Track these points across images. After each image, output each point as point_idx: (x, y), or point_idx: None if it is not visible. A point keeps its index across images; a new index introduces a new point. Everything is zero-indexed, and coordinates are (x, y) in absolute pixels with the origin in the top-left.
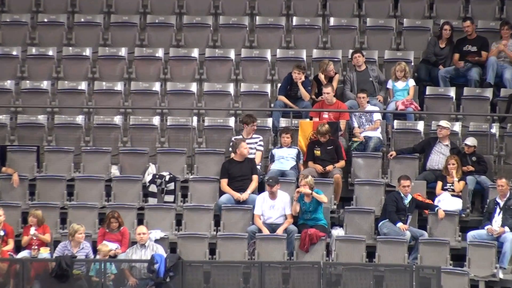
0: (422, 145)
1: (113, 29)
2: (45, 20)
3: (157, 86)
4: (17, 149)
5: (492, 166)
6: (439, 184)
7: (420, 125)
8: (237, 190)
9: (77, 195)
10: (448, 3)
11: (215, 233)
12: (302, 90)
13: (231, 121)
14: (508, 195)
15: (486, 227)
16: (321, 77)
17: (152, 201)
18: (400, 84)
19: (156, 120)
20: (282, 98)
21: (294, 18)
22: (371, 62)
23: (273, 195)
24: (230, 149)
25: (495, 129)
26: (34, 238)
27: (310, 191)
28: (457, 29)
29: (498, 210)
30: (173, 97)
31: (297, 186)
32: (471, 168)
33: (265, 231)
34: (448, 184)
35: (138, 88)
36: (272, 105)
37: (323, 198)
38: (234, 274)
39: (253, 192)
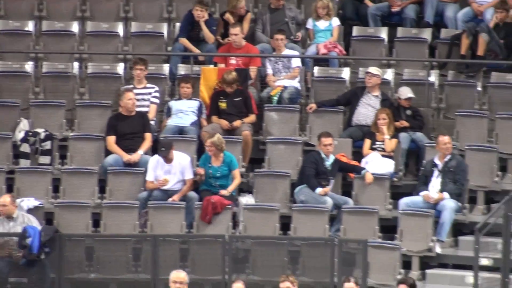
0: (347, 96)
1: None
2: None
3: (30, 26)
4: None
5: (429, 121)
6: (367, 142)
7: (346, 73)
8: (127, 150)
9: None
10: None
11: (99, 201)
12: (205, 31)
13: (120, 68)
14: (449, 156)
15: (421, 193)
16: (228, 17)
17: (24, 163)
18: (322, 24)
19: (29, 67)
20: (184, 40)
21: None
22: None
23: (168, 160)
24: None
25: (434, 77)
26: None
27: (202, 172)
28: None
29: (436, 173)
30: (50, 38)
31: (199, 145)
32: (405, 123)
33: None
34: (377, 143)
35: (7, 28)
36: (169, 48)
37: (237, 181)
38: (122, 250)
39: (146, 153)
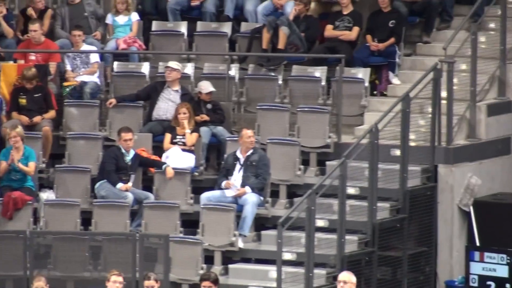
0: (147, 91)
1: None
2: None
3: None
4: None
5: (230, 115)
6: (168, 137)
7: (145, 67)
8: None
9: None
10: None
11: None
12: (4, 26)
13: None
14: (252, 150)
15: (223, 183)
16: (32, 12)
17: None
18: (121, 19)
19: None
20: None
21: None
22: None
23: None
24: None
25: (234, 71)
26: None
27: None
28: None
29: (238, 166)
30: None
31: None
32: (205, 117)
33: None
34: (178, 137)
35: None
36: None
37: (29, 168)
38: None
39: None
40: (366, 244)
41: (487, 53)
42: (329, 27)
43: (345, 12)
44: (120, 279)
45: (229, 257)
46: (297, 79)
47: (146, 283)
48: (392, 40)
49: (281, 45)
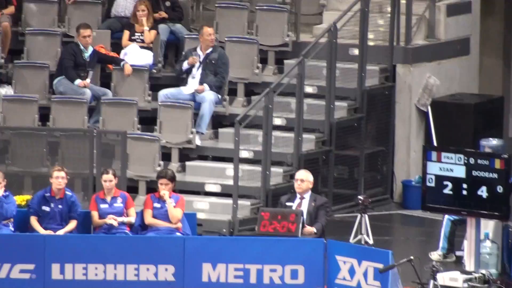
0: None
1: None
2: None
3: None
4: None
5: (189, 13)
6: (126, 33)
7: None
8: None
9: None
10: None
11: None
12: None
13: None
14: (211, 48)
15: (185, 62)
16: None
17: None
18: None
19: None
20: None
21: None
22: None
23: None
24: None
25: None
26: None
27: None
28: None
29: (197, 64)
30: None
31: None
32: (164, 14)
33: None
34: (137, 34)
35: None
36: None
37: None
38: None
39: None
40: (323, 143)
41: None
42: None
43: None
44: (63, 174)
45: (187, 154)
46: None
47: (104, 177)
48: None
49: None
